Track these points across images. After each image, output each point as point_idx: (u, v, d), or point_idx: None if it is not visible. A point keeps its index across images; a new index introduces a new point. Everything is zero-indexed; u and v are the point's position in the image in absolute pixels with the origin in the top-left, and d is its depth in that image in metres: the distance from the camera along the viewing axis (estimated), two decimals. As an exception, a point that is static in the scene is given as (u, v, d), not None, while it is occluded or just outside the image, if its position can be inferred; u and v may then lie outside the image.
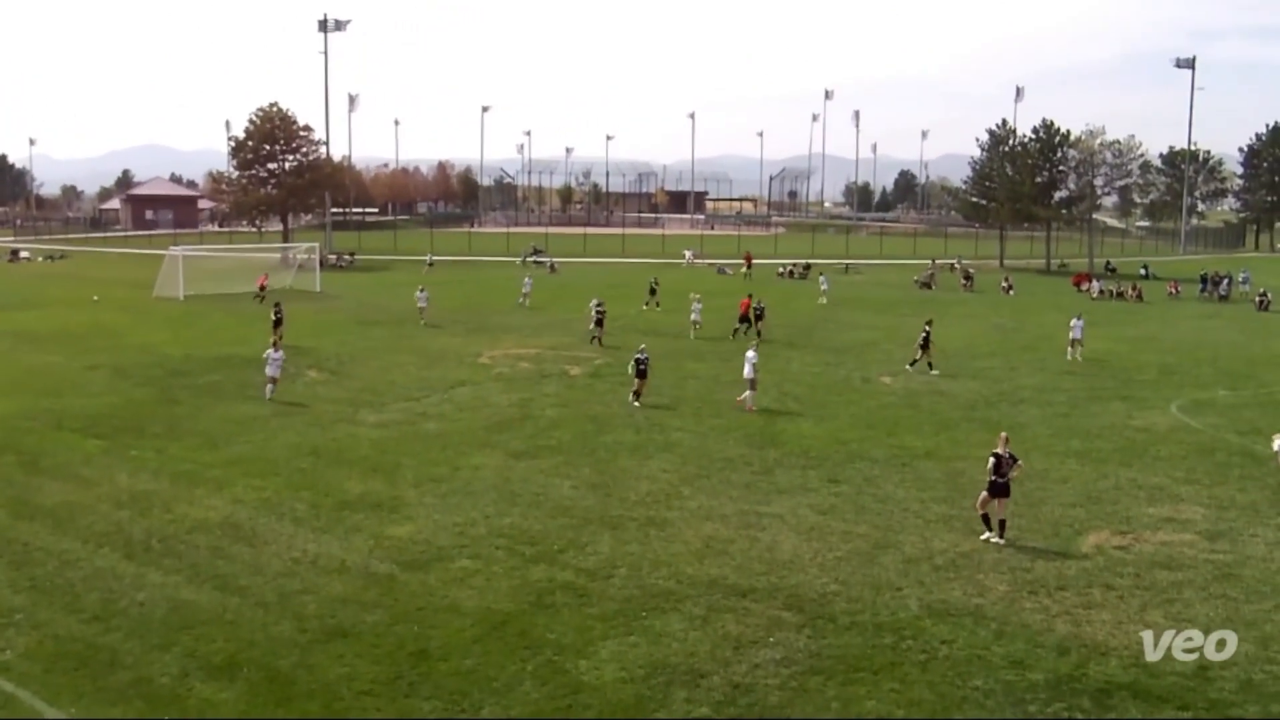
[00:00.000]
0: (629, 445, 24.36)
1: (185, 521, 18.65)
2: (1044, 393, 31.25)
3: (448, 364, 34.98)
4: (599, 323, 40.07)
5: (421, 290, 46.55)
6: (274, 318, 39.37)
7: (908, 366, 34.13)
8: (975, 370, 34.77)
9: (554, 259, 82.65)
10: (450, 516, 19.04)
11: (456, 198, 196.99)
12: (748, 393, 28.37)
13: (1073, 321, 37.80)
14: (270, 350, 29.81)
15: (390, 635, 14.08)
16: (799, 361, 36.36)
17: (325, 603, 15.14)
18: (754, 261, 78.24)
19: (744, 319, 42.50)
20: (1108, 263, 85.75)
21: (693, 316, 42.53)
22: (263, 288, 56.31)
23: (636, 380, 28.60)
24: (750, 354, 28.89)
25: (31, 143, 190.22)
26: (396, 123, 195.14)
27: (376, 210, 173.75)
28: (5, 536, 17.79)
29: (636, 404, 28.17)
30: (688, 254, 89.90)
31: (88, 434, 25.05)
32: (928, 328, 34.61)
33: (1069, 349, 37.12)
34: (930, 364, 33.85)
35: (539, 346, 39.08)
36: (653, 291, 52.54)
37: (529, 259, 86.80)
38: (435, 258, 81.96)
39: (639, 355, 28.87)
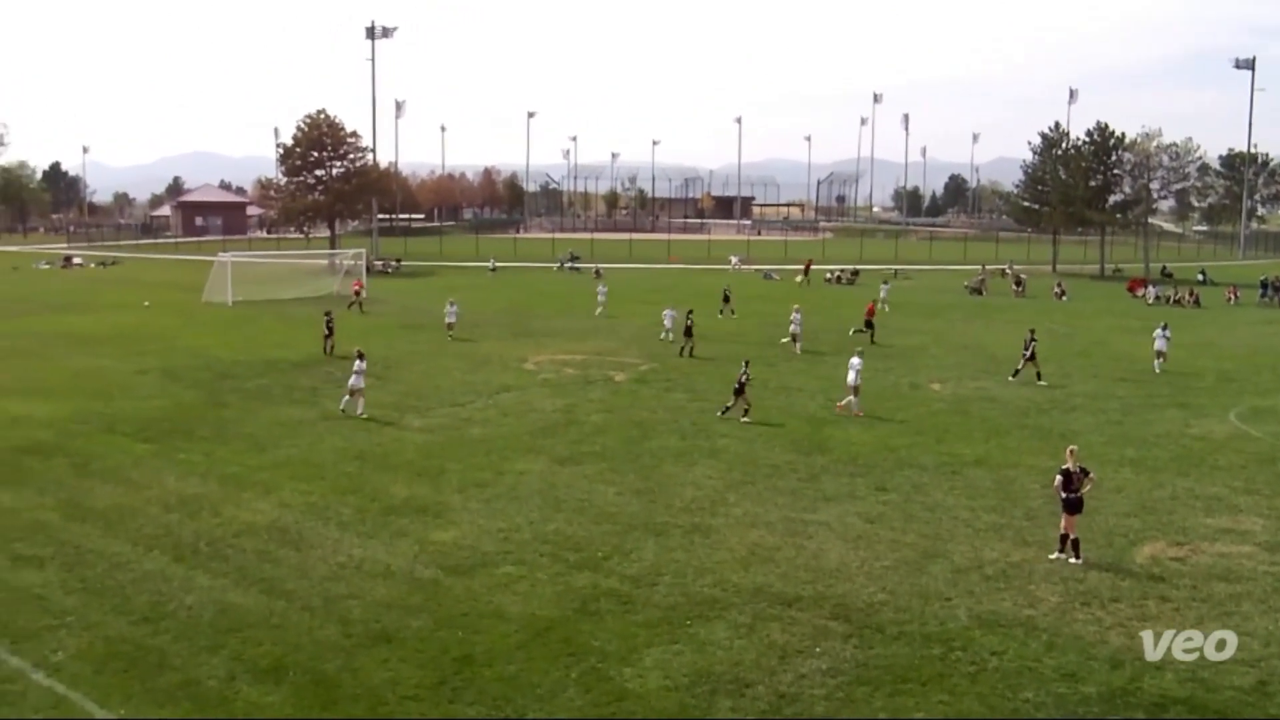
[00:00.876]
0: (674, 451, 24.35)
1: (233, 525, 18.91)
2: (1097, 400, 30.83)
3: (492, 369, 35.17)
4: (689, 332, 38.50)
5: (451, 304, 44.23)
6: (325, 328, 39.15)
7: (1010, 378, 33.34)
8: (1027, 377, 34.36)
9: (599, 264, 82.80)
10: (495, 522, 19.13)
11: (502, 203, 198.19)
12: (850, 398, 28.38)
13: (1156, 332, 36.88)
14: (356, 361, 27.92)
15: (435, 640, 14.18)
16: (846, 367, 36.06)
17: (370, 607, 15.27)
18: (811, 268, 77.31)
19: (869, 323, 42.66)
20: (1164, 268, 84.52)
21: (792, 329, 40.16)
22: (358, 293, 56.00)
23: (734, 397, 27.59)
24: (855, 360, 28.77)
25: (85, 150, 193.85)
26: (443, 129, 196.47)
27: (422, 216, 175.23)
28: (58, 538, 18.13)
29: (745, 419, 27.10)
30: (734, 260, 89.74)
31: (138, 437, 25.47)
32: (1033, 337, 33.90)
33: (1155, 360, 36.07)
34: (1039, 374, 33.20)
35: (584, 352, 39.18)
36: (726, 299, 51.77)
37: (566, 265, 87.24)
38: (498, 264, 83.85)
39: (744, 370, 27.94)
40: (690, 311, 39.61)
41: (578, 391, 31.43)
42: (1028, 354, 33.55)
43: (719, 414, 27.69)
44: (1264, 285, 65.50)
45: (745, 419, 27.17)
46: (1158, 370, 35.49)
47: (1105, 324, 48.27)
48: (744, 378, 27.71)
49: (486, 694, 12.76)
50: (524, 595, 15.76)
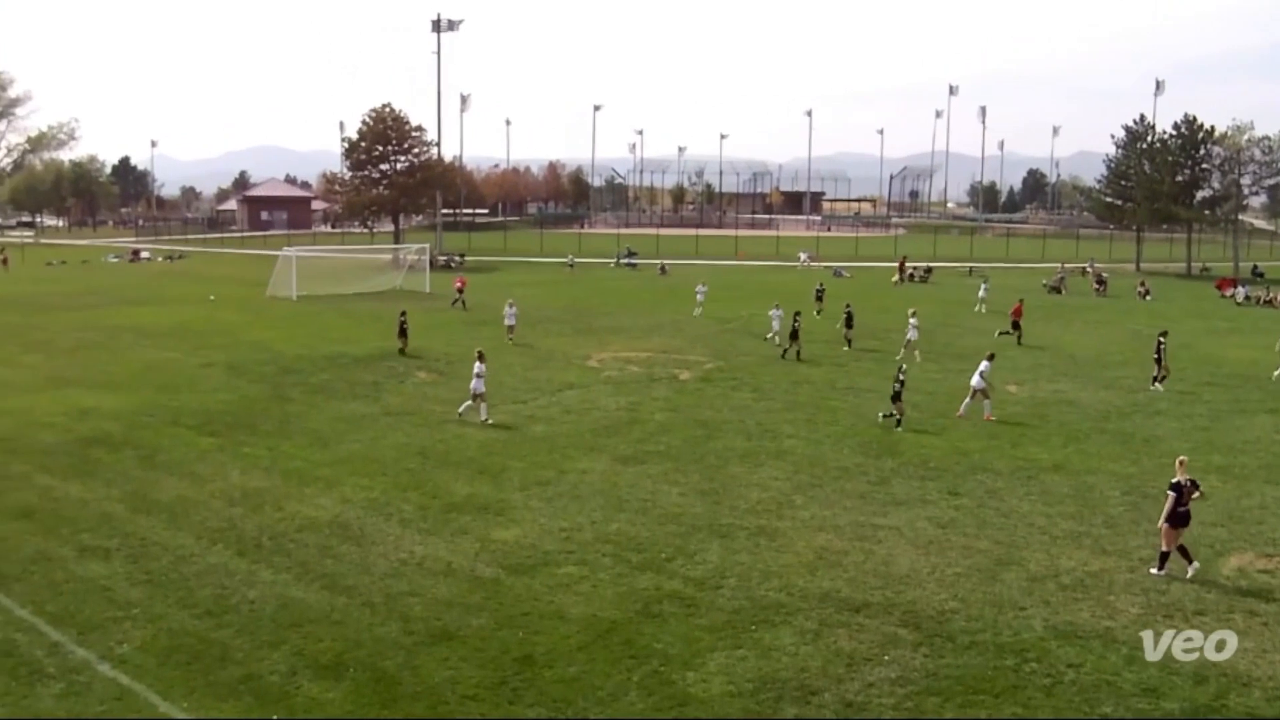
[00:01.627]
0: (740, 452, 24.27)
1: (295, 519, 19.22)
2: (1183, 404, 30.16)
3: (555, 366, 35.36)
4: (795, 334, 37.43)
5: (510, 305, 42.25)
6: (399, 328, 38.88)
7: (1154, 386, 32.28)
8: (1108, 379, 33.73)
9: (664, 261, 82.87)
10: (556, 521, 19.23)
11: (567, 198, 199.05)
12: (968, 401, 27.99)
13: None
14: (477, 363, 27.07)
15: (495, 640, 14.28)
16: (918, 368, 35.71)
17: (431, 605, 15.43)
18: (907, 266, 76.14)
19: (1015, 324, 42.21)
20: (1255, 267, 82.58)
21: (910, 335, 38.42)
22: (461, 290, 55.42)
23: (892, 403, 26.85)
24: (985, 364, 28.13)
25: (153, 144, 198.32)
26: (508, 122, 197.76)
27: (487, 211, 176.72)
28: (124, 530, 18.58)
29: (898, 428, 26.43)
30: (803, 256, 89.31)
31: (203, 430, 26.01)
32: (1162, 340, 32.97)
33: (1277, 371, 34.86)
34: (1155, 378, 32.41)
35: (648, 349, 39.22)
36: (819, 298, 51.09)
37: (622, 261, 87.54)
38: (576, 259, 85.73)
39: (899, 375, 27.05)
40: (798, 314, 38.68)
41: (642, 390, 31.47)
42: (1159, 358, 32.54)
43: (879, 418, 27.11)
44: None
45: (897, 426, 26.40)
46: (1275, 376, 34.11)
47: (1191, 325, 47.21)
48: (900, 384, 26.77)
49: (547, 695, 12.83)
50: (585, 596, 15.82)
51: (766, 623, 14.86)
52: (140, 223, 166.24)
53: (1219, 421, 27.97)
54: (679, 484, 21.63)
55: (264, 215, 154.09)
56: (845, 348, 39.28)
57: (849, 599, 15.73)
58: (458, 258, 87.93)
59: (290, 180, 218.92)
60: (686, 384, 32.64)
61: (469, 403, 27.15)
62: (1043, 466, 23.18)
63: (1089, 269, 77.49)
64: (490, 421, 26.63)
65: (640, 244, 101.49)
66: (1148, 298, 63.04)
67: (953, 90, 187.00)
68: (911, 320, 39.12)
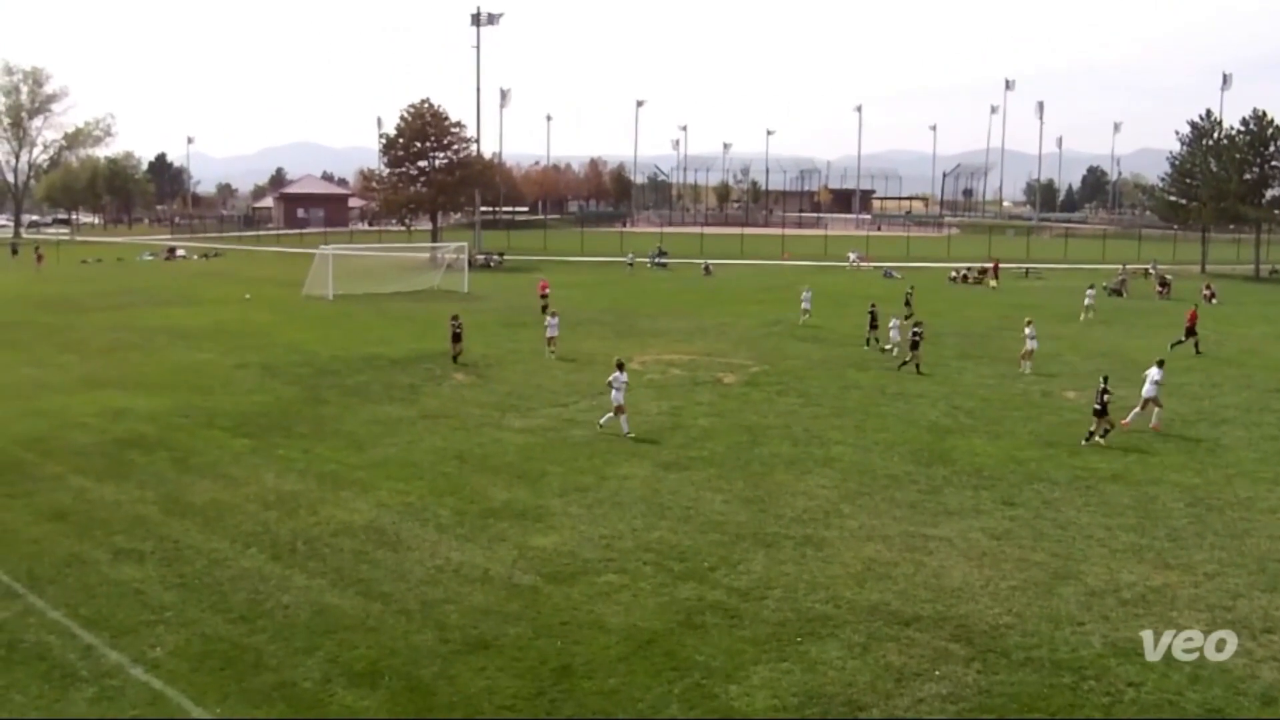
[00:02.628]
0: (785, 458, 24.18)
1: (330, 524, 19.39)
2: (1250, 412, 29.68)
3: (596, 369, 35.34)
4: (915, 345, 35.44)
5: (553, 316, 39.46)
6: (452, 333, 36.85)
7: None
8: (1172, 387, 33.16)
9: (709, 261, 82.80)
10: (596, 528, 19.25)
11: (609, 196, 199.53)
12: (1137, 410, 27.43)
13: None
14: (616, 373, 26.28)
15: (533, 649, 14.32)
16: (972, 373, 35.46)
17: (467, 613, 15.50)
18: (1000, 267, 75.22)
19: (1190, 332, 41.49)
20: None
21: (1028, 345, 36.06)
22: (544, 295, 52.79)
23: (1095, 419, 25.93)
24: (1154, 371, 27.55)
25: (190, 141, 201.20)
26: (548, 118, 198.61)
27: (526, 209, 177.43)
28: (157, 533, 18.84)
29: (1101, 441, 25.74)
30: (852, 256, 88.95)
31: (237, 432, 26.32)
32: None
33: None
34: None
35: (692, 352, 39.19)
36: (907, 303, 48.87)
37: (655, 260, 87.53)
38: (636, 258, 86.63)
39: (1102, 388, 25.88)
40: (919, 323, 36.84)
41: (684, 394, 31.44)
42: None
43: (1082, 441, 25.72)
44: None
45: (1102, 440, 25.60)
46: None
47: (1260, 330, 46.44)
48: (1105, 396, 25.63)
49: (586, 707, 12.84)
50: (626, 605, 15.82)
51: (812, 635, 14.79)
52: (176, 220, 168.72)
53: (1289, 431, 27.47)
54: (723, 491, 21.59)
55: (300, 213, 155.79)
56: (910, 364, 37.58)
57: (898, 612, 15.61)
58: (496, 257, 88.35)
59: (327, 177, 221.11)
60: (731, 388, 32.58)
61: (610, 415, 26.41)
62: (1102, 476, 22.90)
63: (1152, 271, 76.47)
64: (632, 435, 25.78)
65: (684, 244, 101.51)
66: (1213, 301, 62.06)
67: (1009, 85, 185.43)
68: (1027, 330, 36.48)
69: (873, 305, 42.22)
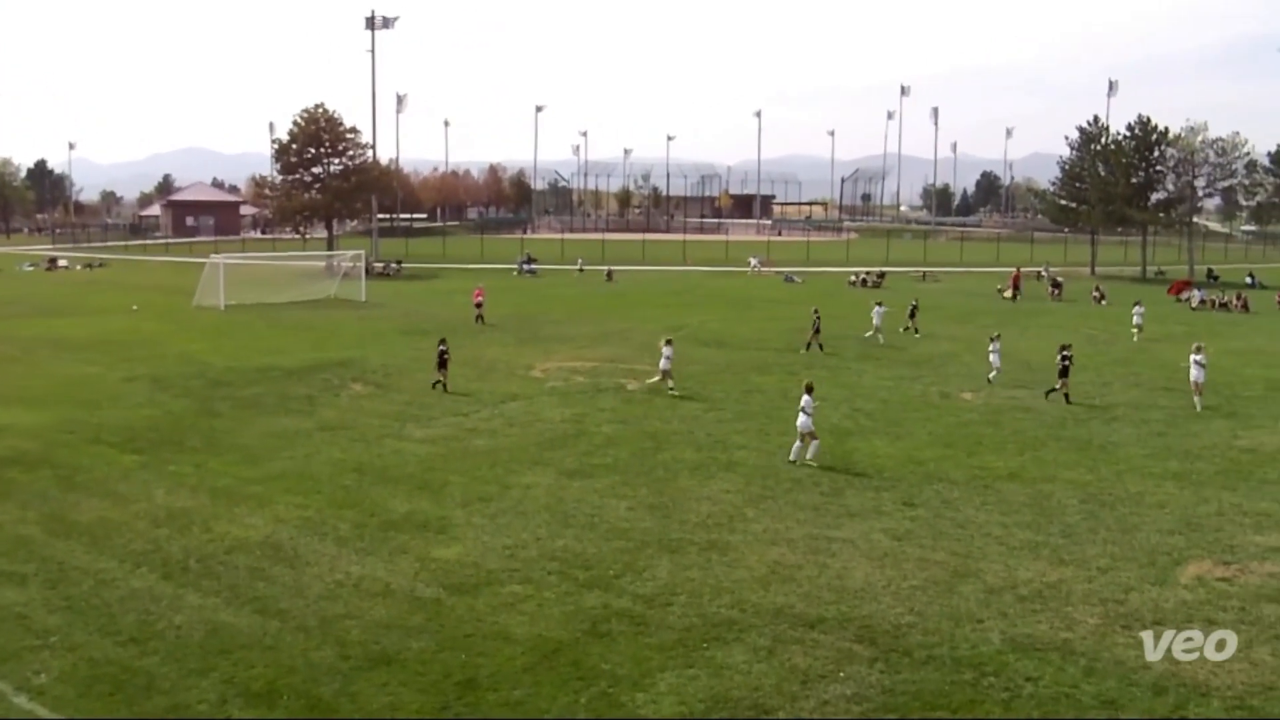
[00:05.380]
0: (689, 464, 24.32)
1: (224, 541, 18.94)
2: (1139, 409, 30.68)
3: (498, 376, 35.22)
4: (1064, 372, 31.73)
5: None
6: (439, 359, 33.07)
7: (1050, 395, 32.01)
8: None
9: (611, 267, 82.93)
10: (500, 538, 19.13)
11: (509, 202, 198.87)
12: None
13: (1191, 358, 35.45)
14: (805, 397, 24.47)
15: (436, 663, 14.17)
16: (871, 375, 36.08)
17: (369, 628, 15.28)
18: (1016, 278, 69.50)
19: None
20: (1210, 270, 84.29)
21: (992, 361, 35.12)
22: (479, 304, 51.14)
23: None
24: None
25: (71, 146, 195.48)
26: (446, 123, 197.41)
27: (425, 215, 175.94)
28: (41, 555, 18.19)
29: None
30: (753, 261, 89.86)
31: (125, 448, 25.57)
32: (1066, 354, 31.68)
33: (1195, 397, 33.27)
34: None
35: (595, 359, 39.21)
36: (913, 314, 48.50)
37: (524, 267, 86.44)
38: (585, 265, 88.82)
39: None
40: (1067, 346, 32.51)
41: (588, 401, 31.44)
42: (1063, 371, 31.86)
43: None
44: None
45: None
46: (1198, 408, 30.80)
47: (1147, 330, 48.01)
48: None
49: (491, 720, 12.76)
50: (531, 616, 15.75)
51: (718, 640, 14.88)
52: (58, 230, 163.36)
53: (1175, 427, 28.46)
54: (627, 498, 21.62)
55: (190, 221, 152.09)
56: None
57: (803, 614, 15.79)
58: (394, 264, 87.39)
59: (218, 184, 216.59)
60: (634, 395, 32.65)
61: (798, 444, 24.41)
62: (999, 475, 23.46)
63: (1044, 273, 78.65)
64: (815, 464, 23.96)
65: (586, 249, 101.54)
66: (1103, 302, 64.10)
67: (905, 91, 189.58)
68: (992, 346, 35.66)
69: (815, 310, 44.30)
